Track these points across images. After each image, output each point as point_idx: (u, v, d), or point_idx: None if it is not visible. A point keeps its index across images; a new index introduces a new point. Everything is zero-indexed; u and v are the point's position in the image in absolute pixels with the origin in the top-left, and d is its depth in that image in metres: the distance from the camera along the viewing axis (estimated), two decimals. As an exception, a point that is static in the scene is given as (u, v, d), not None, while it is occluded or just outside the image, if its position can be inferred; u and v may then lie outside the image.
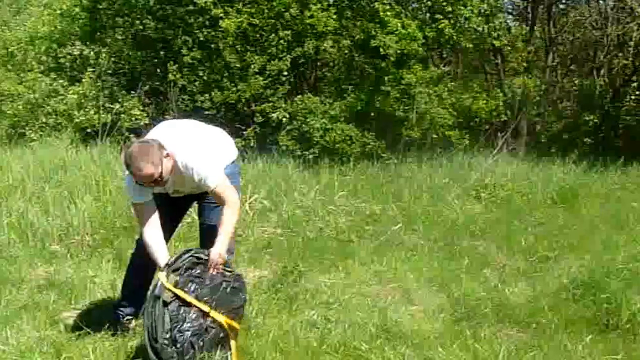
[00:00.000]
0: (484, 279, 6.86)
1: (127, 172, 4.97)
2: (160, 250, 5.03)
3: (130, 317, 5.47)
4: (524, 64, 15.54)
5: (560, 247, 8.01)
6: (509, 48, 15.79)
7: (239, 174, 5.67)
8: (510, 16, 17.62)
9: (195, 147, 5.09)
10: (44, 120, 14.37)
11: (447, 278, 6.81)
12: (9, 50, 17.25)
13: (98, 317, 5.67)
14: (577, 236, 8.53)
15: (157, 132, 5.18)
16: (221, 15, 13.41)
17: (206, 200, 5.33)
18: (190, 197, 5.40)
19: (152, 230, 5.06)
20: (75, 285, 6.38)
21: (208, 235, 5.20)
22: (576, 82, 17.24)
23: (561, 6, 17.76)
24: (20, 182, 9.61)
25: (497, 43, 14.89)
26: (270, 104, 13.50)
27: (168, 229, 5.26)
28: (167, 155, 4.83)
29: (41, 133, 14.08)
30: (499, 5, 15.54)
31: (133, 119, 13.90)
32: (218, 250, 4.92)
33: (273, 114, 13.41)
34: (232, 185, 5.13)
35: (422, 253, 7.75)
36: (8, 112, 15.20)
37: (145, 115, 14.01)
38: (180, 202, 5.43)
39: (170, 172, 4.87)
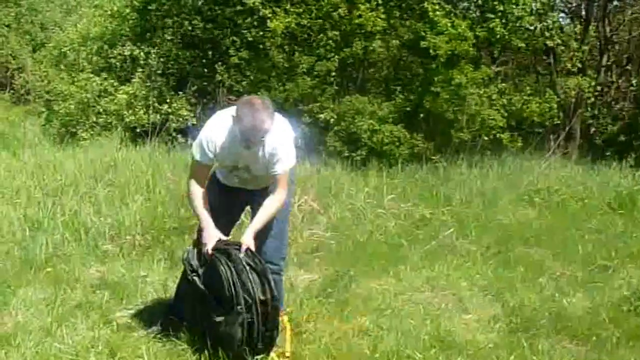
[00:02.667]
0: (540, 288, 6.74)
1: (208, 129, 5.08)
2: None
3: (183, 318, 5.46)
4: (578, 64, 15.11)
5: (620, 255, 7.84)
6: (562, 47, 15.34)
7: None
8: (563, 14, 17.19)
9: (286, 129, 5.13)
10: (94, 119, 14.58)
11: (501, 286, 6.71)
12: (62, 50, 17.49)
13: (150, 317, 5.75)
14: (637, 244, 8.35)
15: None
16: (269, 15, 13.37)
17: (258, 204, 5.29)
18: (244, 197, 5.35)
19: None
20: (127, 285, 6.45)
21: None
22: (633, 82, 16.73)
23: (617, 3, 17.30)
24: (73, 181, 9.71)
25: (549, 42, 14.66)
26: (318, 105, 13.44)
27: (224, 231, 5.25)
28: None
29: (92, 132, 14.28)
30: (551, 3, 15.33)
31: (181, 119, 14.00)
32: (250, 235, 5.01)
33: (321, 115, 13.35)
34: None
35: (475, 260, 7.63)
36: (60, 111, 15.41)
37: (193, 115, 14.10)
38: (235, 204, 5.41)
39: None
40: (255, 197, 5.27)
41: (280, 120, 5.09)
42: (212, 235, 5.04)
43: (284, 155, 5.01)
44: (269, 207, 5.09)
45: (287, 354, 5.16)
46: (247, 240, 5.00)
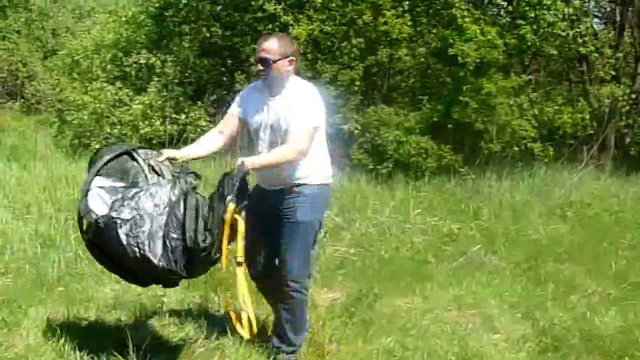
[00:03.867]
0: (571, 306, 6.79)
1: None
2: (199, 144, 5.58)
3: None
4: (612, 72, 15.13)
5: (656, 273, 7.86)
6: (596, 54, 15.33)
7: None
8: (596, 20, 17.24)
9: (311, 91, 5.31)
10: (109, 130, 14.64)
11: (531, 304, 6.76)
12: (75, 58, 17.62)
13: (167, 337, 5.80)
14: (673, 261, 8.35)
15: None
16: (291, 22, 13.45)
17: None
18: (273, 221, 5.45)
19: (213, 132, 5.59)
20: (143, 305, 6.47)
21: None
22: (670, 90, 16.78)
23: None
24: (86, 195, 9.78)
25: (582, 50, 14.69)
26: (341, 115, 13.50)
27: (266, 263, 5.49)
28: (292, 61, 5.24)
29: (106, 144, 14.36)
30: (584, 8, 15.34)
31: (199, 129, 14.07)
32: (252, 160, 5.07)
33: (344, 126, 13.40)
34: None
35: (504, 276, 7.69)
36: (73, 122, 15.52)
37: (212, 126, 14.11)
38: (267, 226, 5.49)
39: (280, 74, 5.20)
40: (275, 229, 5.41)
41: (307, 85, 5.35)
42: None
43: (303, 111, 5.15)
44: (274, 152, 5.20)
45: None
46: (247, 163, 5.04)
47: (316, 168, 5.32)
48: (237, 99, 5.51)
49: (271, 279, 5.47)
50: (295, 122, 5.11)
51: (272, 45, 5.18)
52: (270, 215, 5.35)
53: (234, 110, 5.47)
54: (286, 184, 5.28)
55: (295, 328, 5.47)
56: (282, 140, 5.19)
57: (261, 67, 5.21)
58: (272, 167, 5.20)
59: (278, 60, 5.15)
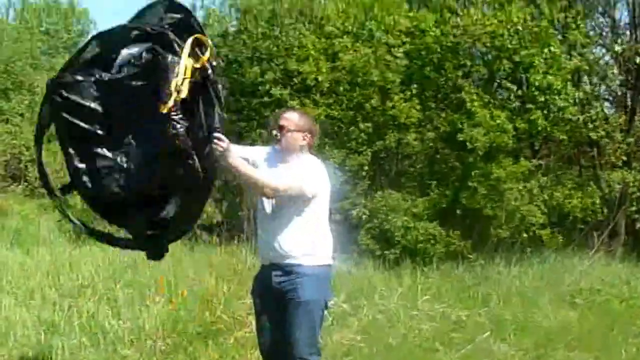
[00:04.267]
0: (581, 395, 6.86)
1: None
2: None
3: None
4: (623, 157, 15.37)
5: (667, 361, 7.90)
6: (607, 139, 15.53)
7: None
8: (607, 103, 17.43)
9: (317, 165, 5.55)
10: (112, 215, 14.76)
11: (540, 393, 6.84)
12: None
13: None
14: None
15: None
16: (298, 107, 13.67)
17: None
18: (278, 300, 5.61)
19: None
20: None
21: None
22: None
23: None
24: (90, 281, 9.94)
25: (593, 135, 14.89)
26: (350, 201, 13.64)
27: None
28: (306, 137, 5.56)
29: (110, 229, 14.48)
30: (595, 93, 15.62)
31: (205, 216, 14.21)
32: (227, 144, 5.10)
33: (352, 212, 13.55)
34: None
35: (513, 364, 7.77)
36: (77, 206, 15.68)
37: (218, 212, 14.31)
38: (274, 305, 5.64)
39: (292, 144, 5.52)
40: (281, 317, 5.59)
41: (316, 161, 5.62)
42: None
43: (300, 172, 5.41)
44: (257, 171, 5.41)
45: None
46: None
47: (318, 247, 5.49)
48: (262, 148, 5.87)
49: (280, 357, 5.59)
50: (291, 175, 5.39)
51: (292, 117, 5.62)
52: (275, 294, 5.50)
53: (254, 154, 5.72)
54: (287, 261, 5.44)
55: None
56: (282, 202, 5.43)
57: (277, 133, 5.55)
58: (242, 180, 5.53)
59: (293, 131, 5.50)
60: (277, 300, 5.52)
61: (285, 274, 5.45)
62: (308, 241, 5.43)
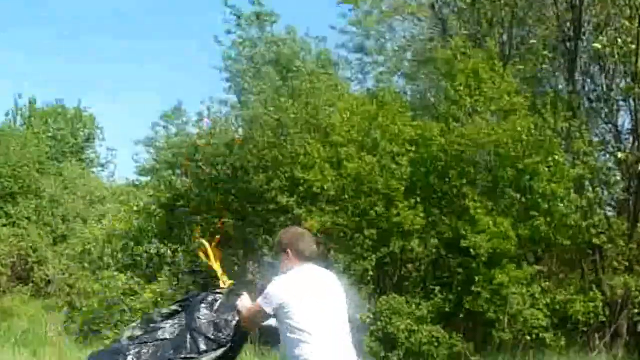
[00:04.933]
0: None
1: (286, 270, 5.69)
2: None
3: None
4: (625, 262, 15.51)
5: None
6: (609, 245, 15.65)
7: None
8: (610, 208, 17.55)
9: (289, 285, 5.60)
10: (119, 318, 15.01)
11: None
12: (85, 247, 18.19)
13: None
14: None
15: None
16: (304, 214, 14.07)
17: None
18: None
19: None
20: None
21: None
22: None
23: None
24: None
25: (596, 240, 15.08)
26: (354, 304, 13.76)
27: None
28: (288, 252, 5.65)
29: (116, 331, 14.74)
30: (598, 199, 15.89)
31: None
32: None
33: (356, 315, 13.68)
34: None
35: None
36: (83, 309, 15.93)
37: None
38: None
39: (280, 258, 5.71)
40: None
41: (298, 270, 5.68)
42: None
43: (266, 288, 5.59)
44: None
45: None
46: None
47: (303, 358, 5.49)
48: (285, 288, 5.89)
49: None
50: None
51: (281, 236, 5.83)
52: None
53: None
54: None
55: None
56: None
57: None
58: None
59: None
60: None
61: None
62: (291, 355, 5.50)
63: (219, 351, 5.59)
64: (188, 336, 5.62)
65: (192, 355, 5.57)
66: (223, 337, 5.63)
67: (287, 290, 5.52)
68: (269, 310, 5.48)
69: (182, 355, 5.57)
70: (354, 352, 5.64)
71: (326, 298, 5.63)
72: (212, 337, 5.61)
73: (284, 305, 5.44)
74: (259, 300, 5.50)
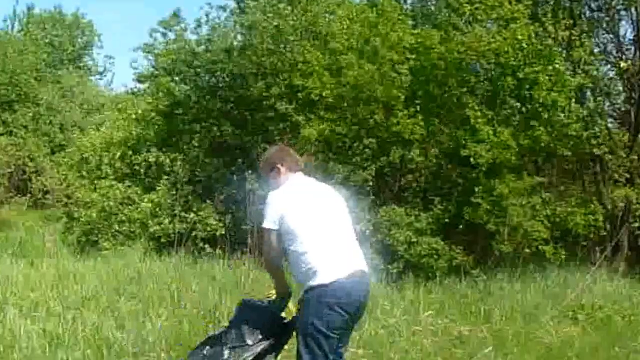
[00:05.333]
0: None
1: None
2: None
3: None
4: (626, 174, 15.35)
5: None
6: (610, 156, 15.46)
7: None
8: (611, 119, 17.31)
9: (284, 197, 5.60)
10: (117, 228, 14.92)
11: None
12: (83, 156, 18.00)
13: None
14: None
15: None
16: (302, 122, 13.84)
17: None
18: None
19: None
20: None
21: None
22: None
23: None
24: (94, 293, 10.00)
25: (596, 151, 14.91)
26: (353, 215, 13.60)
27: None
28: (278, 167, 5.80)
29: (114, 242, 14.63)
30: (599, 110, 15.63)
31: (209, 228, 14.31)
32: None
33: (356, 226, 13.52)
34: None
35: (514, 380, 7.80)
36: (81, 219, 15.80)
37: (222, 225, 14.37)
38: None
39: (268, 176, 5.87)
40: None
41: (291, 183, 5.75)
42: None
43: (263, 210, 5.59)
44: None
45: None
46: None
47: (306, 272, 5.44)
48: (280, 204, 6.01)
49: None
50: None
51: (265, 154, 6.05)
52: None
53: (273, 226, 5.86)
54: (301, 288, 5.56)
55: None
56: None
57: None
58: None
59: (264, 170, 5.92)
60: None
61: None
62: (297, 270, 5.51)
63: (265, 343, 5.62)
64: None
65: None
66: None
67: (286, 200, 5.50)
68: (274, 226, 5.43)
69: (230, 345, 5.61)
70: (363, 258, 5.64)
71: (327, 204, 5.65)
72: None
73: (286, 216, 5.42)
74: (265, 224, 5.46)
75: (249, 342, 5.56)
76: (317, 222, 5.50)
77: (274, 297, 5.74)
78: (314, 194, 5.70)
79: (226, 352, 5.56)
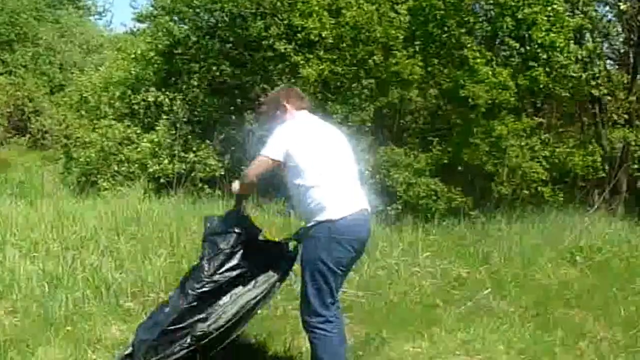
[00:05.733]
0: (580, 353, 6.86)
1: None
2: None
3: None
4: (625, 115, 15.29)
5: (665, 319, 7.86)
6: (609, 97, 15.50)
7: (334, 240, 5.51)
8: (610, 61, 17.32)
9: (294, 130, 5.58)
10: (116, 168, 14.81)
11: (539, 351, 6.83)
12: (83, 95, 17.85)
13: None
14: (684, 307, 8.34)
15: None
16: (301, 62, 13.65)
17: None
18: None
19: None
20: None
21: None
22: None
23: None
24: (94, 234, 9.91)
25: (595, 92, 14.79)
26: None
27: None
28: (283, 105, 5.79)
29: (113, 182, 14.53)
30: (598, 51, 15.47)
31: (208, 168, 14.22)
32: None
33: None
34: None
35: (513, 322, 7.72)
36: (80, 159, 15.69)
37: (221, 165, 14.29)
38: None
39: (271, 117, 5.84)
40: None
41: (297, 120, 5.72)
42: None
43: (268, 140, 5.55)
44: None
45: None
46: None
47: (313, 207, 5.44)
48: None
49: None
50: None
51: (268, 96, 6.02)
52: None
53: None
54: (306, 223, 5.55)
55: None
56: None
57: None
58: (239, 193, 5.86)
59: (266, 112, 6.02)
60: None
61: (304, 234, 5.60)
62: (304, 204, 5.52)
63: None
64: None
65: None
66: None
67: (295, 134, 5.49)
68: (278, 157, 5.41)
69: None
70: (364, 196, 5.68)
71: (334, 141, 5.65)
72: None
73: (294, 149, 5.41)
74: (266, 151, 5.43)
75: (222, 246, 5.72)
76: (326, 158, 5.50)
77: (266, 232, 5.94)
78: (321, 131, 5.69)
79: (205, 265, 5.73)
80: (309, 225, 5.47)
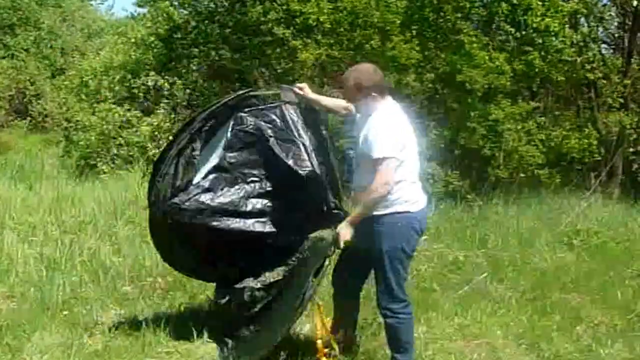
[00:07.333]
0: (577, 337, 6.78)
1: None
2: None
3: None
4: (620, 99, 15.11)
5: (662, 303, 7.77)
6: (604, 81, 15.29)
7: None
8: (605, 45, 17.06)
9: (386, 120, 5.48)
10: (115, 152, 14.76)
11: (536, 335, 6.75)
12: (83, 79, 17.78)
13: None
14: (682, 291, 8.24)
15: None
16: (299, 47, 13.50)
17: None
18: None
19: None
20: (148, 330, 6.47)
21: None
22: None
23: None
24: (92, 218, 9.85)
25: (590, 76, 14.65)
26: (348, 140, 13.49)
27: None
28: (373, 95, 5.58)
29: (112, 165, 14.46)
30: (593, 35, 15.35)
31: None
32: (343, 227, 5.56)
33: (350, 151, 13.37)
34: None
35: (510, 306, 7.64)
36: (79, 142, 15.63)
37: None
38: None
39: (358, 101, 5.72)
40: None
41: (389, 110, 5.62)
42: None
43: (372, 139, 5.40)
44: (361, 204, 5.55)
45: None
46: (341, 229, 5.56)
47: (392, 198, 5.49)
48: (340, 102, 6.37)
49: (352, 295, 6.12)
50: (367, 147, 5.47)
51: (348, 77, 5.71)
52: (365, 241, 5.56)
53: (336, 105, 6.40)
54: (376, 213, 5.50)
55: (398, 347, 5.84)
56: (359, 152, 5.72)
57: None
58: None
59: (350, 93, 5.79)
60: (367, 247, 5.66)
61: (373, 223, 5.56)
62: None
63: None
64: None
65: None
66: None
67: (401, 129, 5.51)
68: (399, 155, 5.40)
69: None
70: None
71: (412, 132, 5.66)
72: None
73: (404, 143, 5.45)
74: (389, 152, 5.33)
75: None
76: (412, 153, 5.58)
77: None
78: (407, 122, 5.67)
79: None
80: (379, 213, 5.48)
